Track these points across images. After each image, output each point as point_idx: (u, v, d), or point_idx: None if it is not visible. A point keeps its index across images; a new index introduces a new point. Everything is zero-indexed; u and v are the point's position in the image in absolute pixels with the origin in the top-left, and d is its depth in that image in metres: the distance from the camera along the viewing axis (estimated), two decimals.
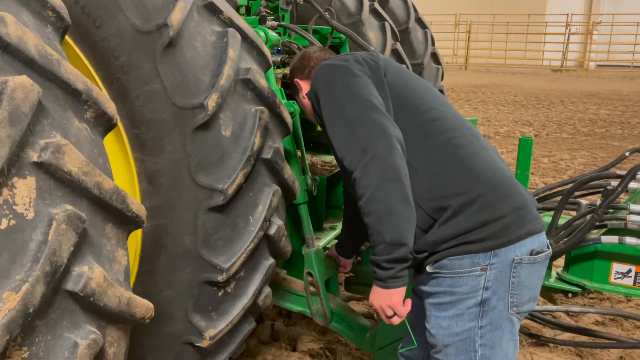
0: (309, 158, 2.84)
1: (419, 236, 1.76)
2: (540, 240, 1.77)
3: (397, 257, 1.67)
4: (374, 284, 1.75)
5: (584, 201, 2.56)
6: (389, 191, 1.65)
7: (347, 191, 2.44)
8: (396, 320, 1.78)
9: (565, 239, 2.44)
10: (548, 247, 1.79)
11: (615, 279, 2.39)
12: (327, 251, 2.61)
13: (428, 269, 1.77)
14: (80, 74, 1.30)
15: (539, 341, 3.05)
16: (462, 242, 1.71)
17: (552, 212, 2.54)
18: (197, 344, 1.99)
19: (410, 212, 1.68)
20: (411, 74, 2.06)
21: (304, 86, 2.20)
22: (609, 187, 2.47)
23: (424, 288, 1.83)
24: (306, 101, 2.17)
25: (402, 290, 1.74)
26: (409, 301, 1.78)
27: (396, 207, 1.65)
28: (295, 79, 2.25)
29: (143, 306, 1.41)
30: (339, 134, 1.77)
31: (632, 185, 2.41)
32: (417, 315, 1.96)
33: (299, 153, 2.61)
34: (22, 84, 1.10)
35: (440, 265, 1.75)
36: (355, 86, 1.81)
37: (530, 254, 1.73)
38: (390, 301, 1.74)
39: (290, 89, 2.38)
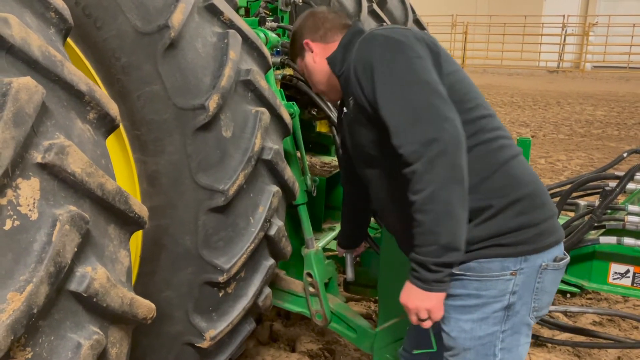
0: (308, 159, 2.85)
1: None
2: (561, 247, 1.77)
3: (448, 261, 1.58)
4: (411, 283, 1.65)
5: (582, 202, 2.57)
6: (453, 192, 1.55)
7: (349, 177, 2.25)
8: (428, 324, 1.70)
9: (563, 240, 2.45)
10: (566, 254, 1.78)
11: (614, 279, 2.40)
12: (337, 252, 2.54)
13: (454, 270, 1.68)
14: (83, 75, 1.31)
15: (537, 341, 3.06)
16: (495, 244, 1.67)
17: None
18: (197, 345, 1.99)
19: (466, 217, 1.59)
20: (458, 64, 1.90)
21: (318, 49, 2.02)
22: (607, 188, 2.48)
23: (448, 290, 1.73)
24: (319, 65, 2.01)
25: (443, 295, 1.66)
26: (442, 305, 1.69)
27: (456, 210, 1.56)
28: (305, 40, 2.04)
29: (145, 307, 1.41)
30: (399, 119, 1.60)
31: (630, 186, 2.42)
32: None
33: (298, 154, 2.62)
34: (26, 85, 1.11)
35: (467, 267, 1.70)
36: (419, 69, 1.65)
37: (554, 260, 1.72)
38: (429, 304, 1.64)
39: (289, 52, 2.21)
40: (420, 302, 1.65)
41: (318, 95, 2.64)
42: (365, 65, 1.70)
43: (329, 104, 2.65)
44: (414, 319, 1.69)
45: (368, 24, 3.84)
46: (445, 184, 1.54)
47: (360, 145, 1.83)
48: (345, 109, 1.93)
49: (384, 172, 1.80)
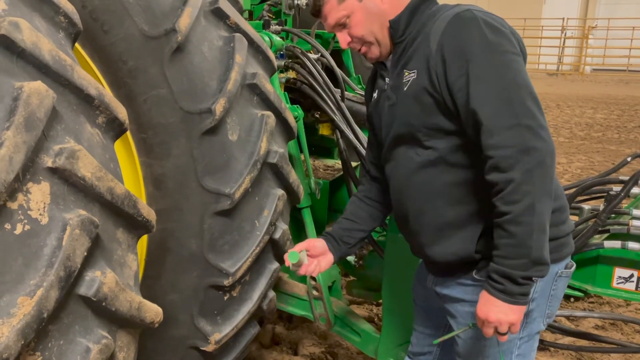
0: (312, 162, 2.85)
1: (484, 240, 1.65)
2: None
3: (536, 275, 1.53)
4: (492, 296, 1.55)
5: (586, 206, 2.57)
6: (547, 206, 1.49)
7: (374, 162, 2.02)
8: (504, 338, 1.60)
9: None
10: (572, 261, 1.81)
11: (618, 283, 2.40)
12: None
13: (475, 275, 1.67)
14: (93, 79, 1.31)
15: (540, 345, 3.05)
16: None
17: None
18: (202, 348, 1.99)
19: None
20: None
21: None
22: (611, 192, 2.48)
23: (461, 296, 1.74)
24: (387, 5, 1.71)
25: (525, 308, 1.58)
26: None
27: (547, 225, 1.50)
28: None
29: (153, 311, 1.41)
30: (498, 120, 1.48)
31: (635, 190, 2.43)
32: (429, 319, 1.95)
33: (302, 157, 2.62)
34: (37, 90, 1.11)
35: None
36: (521, 68, 1.54)
37: (566, 268, 1.74)
38: (513, 317, 1.56)
39: None
40: (504, 315, 1.55)
41: (321, 98, 2.63)
42: (459, 47, 1.54)
43: (332, 106, 2.65)
44: (490, 332, 1.60)
45: None
46: (542, 197, 1.48)
47: (411, 126, 1.67)
48: (387, 80, 1.77)
49: (430, 161, 1.66)
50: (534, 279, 1.54)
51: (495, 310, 1.55)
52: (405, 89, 1.66)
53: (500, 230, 1.51)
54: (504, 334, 1.58)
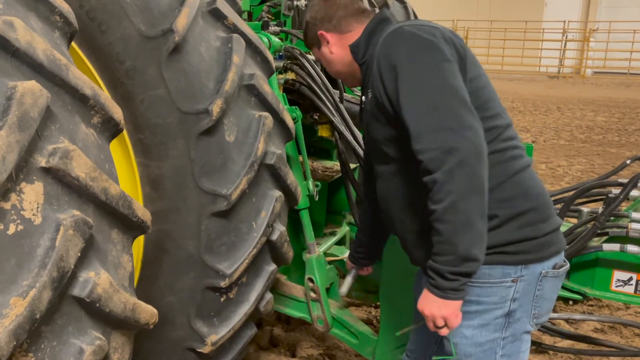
0: (310, 163, 2.84)
1: None
2: (562, 255, 1.78)
3: (465, 271, 1.58)
4: (428, 291, 1.65)
5: (585, 209, 2.57)
6: (472, 203, 1.53)
7: (369, 183, 2.15)
8: (444, 332, 1.69)
9: (566, 247, 2.44)
10: (565, 262, 1.79)
11: (617, 286, 2.40)
12: (347, 265, 2.43)
13: None
14: (88, 79, 1.30)
15: (539, 348, 3.05)
16: (497, 252, 1.67)
17: None
18: (198, 350, 1.99)
19: (485, 228, 1.58)
20: (482, 69, 1.84)
21: (334, 39, 1.94)
22: (610, 195, 2.47)
23: None
24: (337, 55, 1.95)
25: (459, 303, 1.65)
26: (459, 313, 1.68)
27: (475, 221, 1.54)
28: (320, 32, 1.96)
29: (147, 312, 1.41)
30: (422, 125, 1.57)
31: (634, 193, 2.42)
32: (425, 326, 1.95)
33: (300, 158, 2.61)
34: (31, 89, 1.10)
35: None
36: (447, 73, 1.60)
37: (554, 268, 1.73)
38: (445, 312, 1.64)
39: (306, 43, 2.10)
40: (437, 309, 1.64)
41: (320, 99, 2.63)
42: (390, 62, 1.65)
43: (330, 107, 2.64)
44: (431, 325, 1.68)
45: None
46: (465, 194, 1.52)
47: (375, 140, 1.80)
48: (364, 98, 1.89)
49: (396, 170, 1.77)
50: (470, 275, 1.60)
51: (430, 305, 1.65)
52: (368, 107, 1.80)
53: (432, 228, 1.58)
54: (441, 328, 1.66)
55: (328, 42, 1.96)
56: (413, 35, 1.66)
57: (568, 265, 1.80)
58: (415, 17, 4.68)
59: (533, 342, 2.88)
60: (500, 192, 1.68)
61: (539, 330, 2.64)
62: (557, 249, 1.75)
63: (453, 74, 1.61)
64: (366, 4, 1.99)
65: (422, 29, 1.69)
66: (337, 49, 1.94)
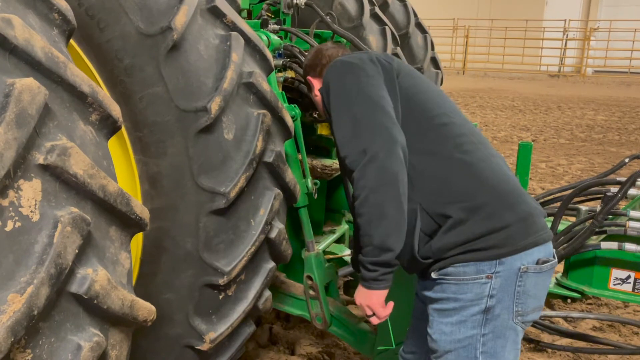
0: (309, 162, 2.84)
1: (424, 241, 1.77)
2: (546, 250, 1.76)
3: (382, 260, 1.69)
4: (360, 282, 1.79)
5: (583, 207, 2.57)
6: (383, 195, 1.66)
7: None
8: (374, 320, 1.82)
9: (564, 245, 2.45)
10: (554, 257, 1.78)
11: (615, 285, 2.40)
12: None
13: (433, 275, 1.77)
14: (86, 76, 1.30)
15: (538, 346, 3.06)
16: (468, 250, 1.70)
17: (551, 218, 2.55)
18: (197, 347, 1.99)
19: (401, 219, 1.69)
20: (423, 78, 2.04)
21: (316, 84, 2.18)
22: (608, 194, 2.48)
23: (428, 294, 1.83)
24: (318, 98, 2.14)
25: (382, 293, 1.76)
26: (390, 304, 1.81)
27: (388, 212, 1.66)
28: (308, 77, 2.23)
29: (146, 309, 1.41)
30: (343, 132, 1.77)
31: (632, 191, 2.42)
32: (421, 320, 1.96)
33: (299, 156, 2.61)
34: (29, 87, 1.10)
35: (445, 272, 1.75)
36: (365, 86, 1.80)
37: (537, 263, 1.72)
38: (370, 301, 1.77)
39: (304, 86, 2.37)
40: (363, 299, 1.78)
41: None
42: (325, 88, 1.90)
43: None
44: (364, 314, 1.83)
45: (370, 27, 3.84)
46: (376, 187, 1.66)
47: (340, 158, 1.90)
48: None
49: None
50: (389, 265, 1.71)
51: (359, 295, 1.80)
52: None
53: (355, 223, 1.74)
54: (370, 316, 1.81)
55: (314, 87, 2.19)
56: (340, 63, 1.92)
57: (555, 260, 1.78)
58: (415, 15, 4.68)
59: (531, 340, 2.90)
60: (455, 186, 1.74)
61: (537, 328, 2.65)
62: (532, 241, 1.73)
63: (371, 86, 1.80)
64: (348, 51, 2.21)
65: (350, 56, 1.97)
66: (318, 92, 2.14)
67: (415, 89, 1.90)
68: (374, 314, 1.80)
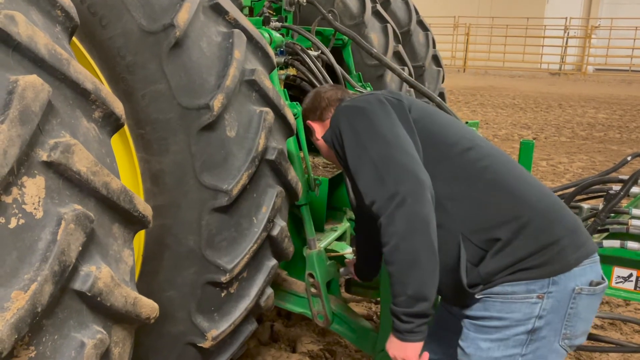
0: (311, 159, 2.84)
1: (470, 270, 1.68)
2: (598, 270, 1.69)
3: (418, 311, 1.60)
4: (392, 333, 1.69)
5: (585, 205, 2.56)
6: (415, 242, 1.58)
7: (360, 210, 2.28)
8: None
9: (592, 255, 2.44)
10: (604, 279, 1.70)
11: (617, 283, 2.39)
12: (346, 268, 2.56)
13: (477, 295, 1.69)
14: (89, 73, 1.30)
15: None
16: (518, 269, 1.63)
17: None
18: (199, 345, 1.99)
19: (435, 265, 1.60)
20: (434, 108, 2.00)
21: (317, 128, 2.15)
22: (611, 192, 2.47)
23: (468, 312, 1.74)
24: (321, 142, 2.12)
25: (418, 345, 1.66)
26: (425, 354, 1.70)
27: (421, 260, 1.58)
28: (308, 121, 2.19)
29: (149, 306, 1.41)
30: (366, 179, 1.69)
31: (635, 189, 2.42)
32: (446, 329, 1.92)
33: (301, 154, 2.61)
34: (33, 84, 1.10)
35: (490, 291, 1.67)
36: (379, 126, 1.74)
37: (590, 285, 1.65)
38: (405, 354, 1.66)
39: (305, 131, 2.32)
40: (397, 351, 1.68)
41: None
42: (336, 135, 1.84)
43: None
44: None
45: (372, 24, 3.84)
46: (406, 235, 1.58)
47: (358, 194, 1.85)
48: None
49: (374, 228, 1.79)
50: (425, 316, 1.62)
51: (392, 346, 1.70)
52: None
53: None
54: None
55: (314, 131, 2.16)
56: (348, 108, 1.86)
57: (606, 283, 1.70)
58: (417, 13, 4.67)
59: None
60: (496, 208, 1.68)
61: None
62: (584, 253, 1.66)
63: (384, 126, 1.74)
64: (346, 93, 2.16)
65: (358, 99, 1.91)
66: (320, 136, 2.12)
67: (430, 119, 1.85)
68: None
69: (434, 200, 1.65)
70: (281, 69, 2.74)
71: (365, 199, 1.68)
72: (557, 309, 1.64)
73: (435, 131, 1.81)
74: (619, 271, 2.38)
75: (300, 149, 2.61)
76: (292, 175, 2.16)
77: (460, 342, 1.77)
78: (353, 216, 3.07)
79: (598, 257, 1.71)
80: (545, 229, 1.65)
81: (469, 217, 1.69)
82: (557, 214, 1.70)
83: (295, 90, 2.79)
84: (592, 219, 2.40)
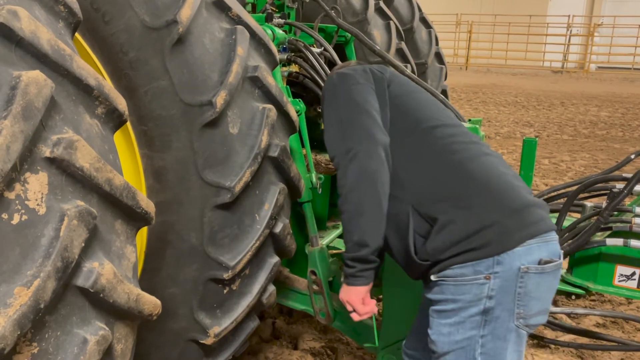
0: (313, 156, 2.84)
1: (420, 242, 1.76)
2: (549, 249, 1.68)
3: (359, 256, 1.75)
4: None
5: (589, 203, 2.56)
6: (361, 194, 1.73)
7: None
8: (355, 317, 1.86)
9: (569, 241, 2.44)
10: (559, 257, 1.70)
11: (619, 281, 2.40)
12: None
13: (432, 277, 1.75)
14: (92, 69, 1.30)
15: (541, 342, 3.05)
16: (464, 250, 1.67)
17: (557, 214, 2.54)
18: (201, 341, 1.99)
19: (379, 216, 1.75)
20: (417, 87, 2.10)
21: None
22: (614, 190, 2.47)
23: (429, 295, 1.81)
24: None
25: (360, 289, 1.80)
26: (372, 301, 1.85)
27: (365, 209, 1.73)
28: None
29: (151, 303, 1.41)
30: (330, 136, 1.87)
31: (638, 188, 2.41)
32: (425, 318, 1.95)
33: (304, 151, 2.61)
34: (36, 79, 1.10)
35: (444, 274, 1.72)
36: (354, 92, 1.91)
37: (539, 263, 1.65)
38: (348, 297, 1.83)
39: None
40: (343, 294, 1.85)
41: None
42: (321, 99, 2.04)
43: None
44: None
45: (375, 21, 3.83)
46: (355, 185, 1.74)
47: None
48: None
49: None
50: (368, 262, 1.76)
51: (341, 291, 1.86)
52: None
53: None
54: (351, 312, 1.85)
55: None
56: (337, 74, 2.02)
57: (559, 261, 1.70)
58: (420, 10, 4.66)
59: (535, 337, 2.89)
60: (444, 185, 1.76)
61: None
62: (531, 232, 1.66)
63: (359, 92, 1.91)
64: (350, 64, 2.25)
65: (346, 68, 2.06)
66: None
67: (407, 96, 1.98)
68: (353, 310, 1.84)
69: (389, 161, 1.79)
70: (284, 65, 2.73)
71: (329, 154, 1.87)
72: (506, 289, 1.66)
73: (411, 107, 1.94)
74: (621, 269, 2.38)
75: (303, 146, 2.61)
76: (295, 172, 2.15)
77: (429, 331, 1.82)
78: None
79: (554, 236, 1.72)
80: (487, 210, 1.69)
81: (418, 190, 1.79)
82: (503, 196, 1.72)
83: (297, 87, 2.78)
84: (596, 217, 2.40)
